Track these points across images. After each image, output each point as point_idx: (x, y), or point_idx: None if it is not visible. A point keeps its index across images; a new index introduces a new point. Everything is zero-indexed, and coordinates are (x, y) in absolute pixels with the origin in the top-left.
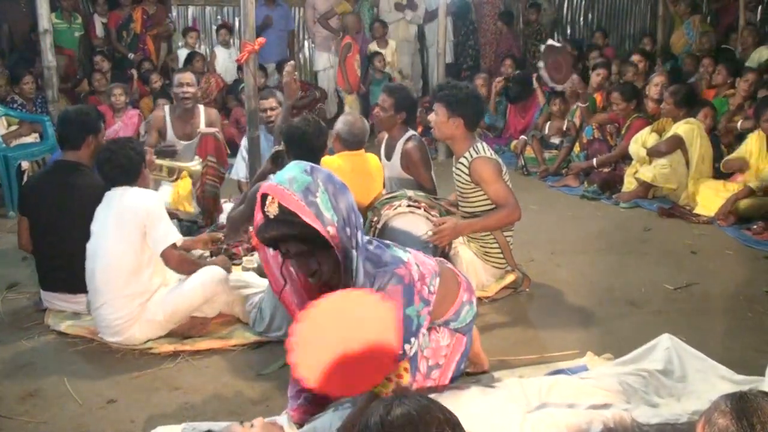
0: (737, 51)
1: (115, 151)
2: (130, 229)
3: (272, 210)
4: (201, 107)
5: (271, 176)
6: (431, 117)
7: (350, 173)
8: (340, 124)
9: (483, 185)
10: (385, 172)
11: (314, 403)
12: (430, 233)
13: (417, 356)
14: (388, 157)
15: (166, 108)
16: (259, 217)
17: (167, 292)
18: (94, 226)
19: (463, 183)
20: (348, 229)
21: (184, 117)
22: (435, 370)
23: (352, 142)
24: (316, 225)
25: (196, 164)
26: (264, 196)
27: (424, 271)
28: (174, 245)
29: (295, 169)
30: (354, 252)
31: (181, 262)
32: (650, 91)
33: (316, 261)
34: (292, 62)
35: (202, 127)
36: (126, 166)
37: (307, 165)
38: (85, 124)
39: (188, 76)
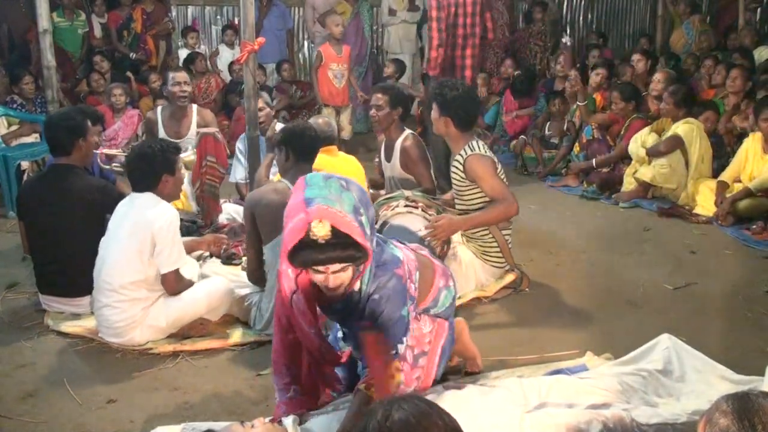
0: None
1: (135, 156)
2: (143, 242)
3: (323, 233)
4: (194, 107)
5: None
6: (433, 114)
7: (327, 169)
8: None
9: (478, 182)
10: (385, 173)
11: (305, 394)
12: (425, 231)
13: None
14: (388, 158)
15: (159, 108)
16: (295, 242)
17: (171, 299)
18: (112, 223)
19: (458, 180)
20: (373, 238)
21: (176, 116)
22: (421, 357)
23: (323, 138)
24: (366, 245)
25: (189, 154)
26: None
27: (410, 267)
28: (177, 271)
29: (334, 185)
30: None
31: (176, 288)
32: (651, 88)
33: (350, 275)
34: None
35: (194, 127)
36: (141, 174)
37: (341, 179)
38: (72, 128)
39: (183, 75)
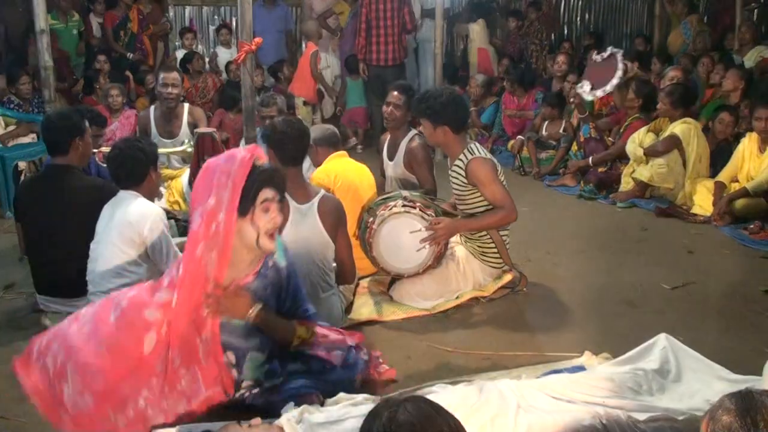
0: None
1: (123, 150)
2: (132, 246)
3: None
4: (186, 106)
5: None
6: (421, 128)
7: (344, 173)
8: (313, 134)
9: (479, 186)
10: (387, 171)
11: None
12: (425, 233)
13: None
14: (391, 157)
15: (151, 107)
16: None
17: None
18: (99, 226)
19: (459, 185)
20: None
21: (167, 115)
22: None
23: (335, 141)
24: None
25: (187, 147)
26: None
27: None
28: None
29: None
30: None
31: None
32: (664, 85)
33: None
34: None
35: (185, 126)
36: (132, 168)
37: None
38: (69, 128)
39: (172, 77)
